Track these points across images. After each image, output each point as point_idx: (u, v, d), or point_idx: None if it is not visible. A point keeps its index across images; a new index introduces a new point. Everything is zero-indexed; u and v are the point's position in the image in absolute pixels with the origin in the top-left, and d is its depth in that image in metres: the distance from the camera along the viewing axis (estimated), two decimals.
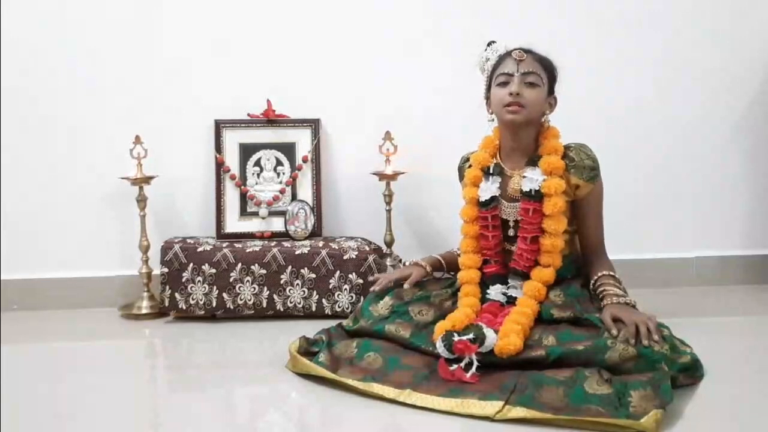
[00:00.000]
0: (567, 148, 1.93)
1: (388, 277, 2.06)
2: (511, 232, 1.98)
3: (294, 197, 2.53)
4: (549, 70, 1.95)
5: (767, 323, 2.24)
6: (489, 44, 2.02)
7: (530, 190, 1.91)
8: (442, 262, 2.14)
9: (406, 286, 1.98)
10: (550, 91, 1.96)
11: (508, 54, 1.94)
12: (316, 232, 2.50)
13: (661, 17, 2.59)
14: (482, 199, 1.98)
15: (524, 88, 1.90)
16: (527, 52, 1.93)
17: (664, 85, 2.61)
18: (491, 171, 1.99)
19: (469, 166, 2.04)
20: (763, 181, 2.67)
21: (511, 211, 1.97)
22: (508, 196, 1.97)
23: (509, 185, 1.97)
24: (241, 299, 2.34)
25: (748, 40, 2.61)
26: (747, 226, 2.68)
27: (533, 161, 1.93)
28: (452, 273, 2.13)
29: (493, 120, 2.00)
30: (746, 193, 2.67)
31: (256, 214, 2.51)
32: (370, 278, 2.09)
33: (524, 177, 1.93)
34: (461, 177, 2.11)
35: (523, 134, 1.95)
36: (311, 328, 2.01)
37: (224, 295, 2.34)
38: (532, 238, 1.92)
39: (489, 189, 1.97)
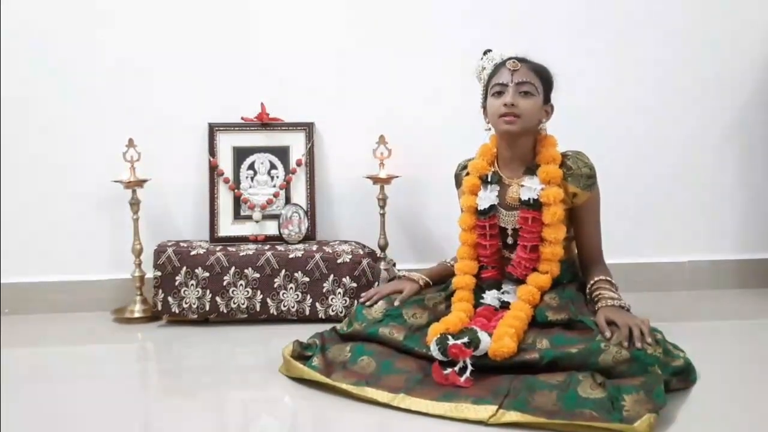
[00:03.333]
0: (564, 156, 1.94)
1: (379, 291, 2.03)
2: (509, 240, 1.98)
3: (288, 201, 2.53)
4: (544, 78, 1.95)
5: (760, 327, 2.24)
6: (485, 53, 2.02)
7: (529, 199, 1.91)
8: (432, 282, 2.10)
9: (396, 303, 1.96)
10: (547, 100, 1.96)
11: (503, 64, 1.94)
12: (309, 236, 2.50)
13: (654, 24, 2.60)
14: (481, 207, 1.98)
15: (519, 98, 1.89)
16: (522, 61, 1.93)
17: (657, 89, 2.62)
18: (489, 180, 1.99)
19: (467, 174, 2.04)
20: (755, 186, 2.68)
21: (510, 220, 1.97)
22: (507, 204, 1.97)
23: (507, 194, 1.97)
24: (234, 303, 2.34)
25: (739, 46, 2.62)
26: (739, 231, 2.69)
27: (531, 170, 1.94)
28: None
29: (490, 129, 2.00)
30: (739, 198, 2.68)
31: (249, 217, 2.51)
32: (362, 296, 2.06)
33: (522, 186, 1.93)
34: (458, 184, 2.11)
35: (520, 143, 1.95)
36: (305, 332, 2.01)
37: (217, 298, 2.33)
38: (531, 247, 1.92)
39: (488, 198, 1.97)
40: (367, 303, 1.98)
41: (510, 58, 1.94)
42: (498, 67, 1.95)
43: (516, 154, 1.96)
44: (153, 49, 2.54)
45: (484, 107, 2.00)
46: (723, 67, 2.62)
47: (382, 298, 1.99)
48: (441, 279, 2.11)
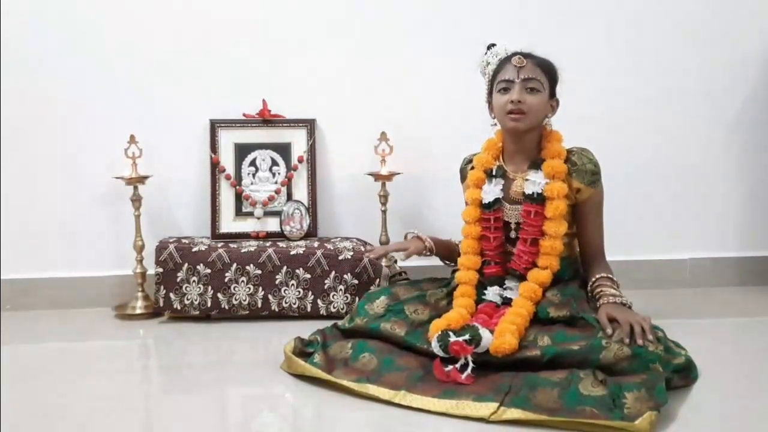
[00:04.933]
0: (569, 152, 1.94)
1: (384, 247, 2.11)
2: (512, 234, 1.99)
3: (289, 197, 2.53)
4: (549, 73, 1.95)
5: (761, 324, 2.25)
6: (489, 47, 2.02)
7: (533, 192, 1.92)
8: (437, 248, 2.13)
9: (401, 255, 2.06)
10: (552, 94, 1.97)
11: (508, 59, 1.94)
12: (311, 233, 2.50)
13: (655, 20, 2.60)
14: (486, 201, 1.99)
15: (525, 94, 1.90)
16: (527, 56, 1.93)
17: (658, 87, 2.61)
18: (494, 173, 1.99)
19: (472, 168, 2.04)
20: (756, 183, 2.68)
21: (513, 214, 1.98)
22: (511, 198, 1.98)
23: (512, 188, 1.98)
24: (236, 299, 2.34)
25: (740, 42, 2.61)
26: (741, 228, 2.69)
27: (536, 164, 1.94)
28: (446, 261, 2.17)
29: (495, 124, 2.00)
30: (740, 195, 2.68)
31: (251, 214, 2.51)
32: (366, 255, 2.12)
33: (527, 180, 1.94)
34: (463, 178, 2.11)
35: (526, 138, 1.96)
36: (306, 329, 2.01)
37: (219, 295, 2.34)
38: (532, 240, 1.92)
39: (492, 191, 1.98)
40: (371, 256, 2.08)
41: (515, 54, 1.94)
42: (503, 63, 1.95)
43: (521, 148, 1.97)
44: (154, 46, 2.54)
45: (490, 102, 2.00)
46: (724, 65, 2.62)
47: (388, 253, 2.12)
48: (445, 250, 2.15)
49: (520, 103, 1.88)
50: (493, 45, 2.02)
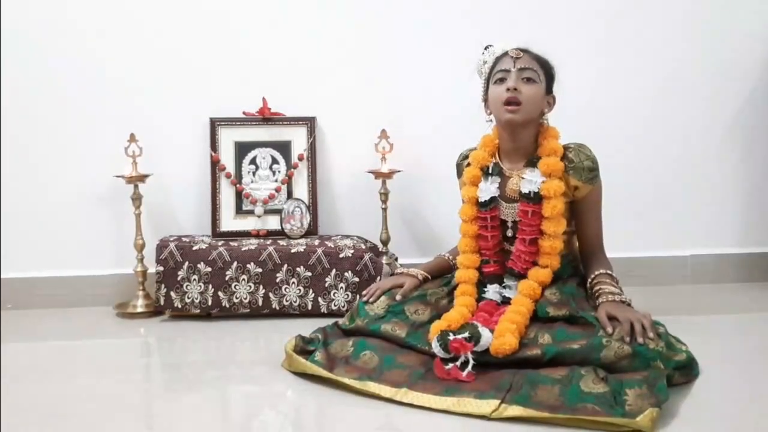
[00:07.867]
0: (566, 148, 1.93)
1: (380, 286, 2.02)
2: (509, 233, 1.98)
3: (290, 196, 2.53)
4: (546, 68, 1.95)
5: (762, 321, 2.24)
6: (486, 48, 2.01)
7: (529, 192, 1.90)
8: (431, 276, 2.08)
9: (398, 298, 1.95)
10: (549, 91, 1.96)
11: (505, 53, 1.94)
12: (311, 231, 2.50)
13: (656, 18, 2.59)
14: (482, 199, 1.97)
15: (521, 83, 1.89)
16: (524, 51, 1.93)
17: (659, 85, 2.61)
18: (490, 171, 1.98)
19: (468, 165, 2.04)
20: (757, 180, 2.68)
21: (510, 212, 1.96)
22: (507, 196, 1.97)
23: (508, 186, 1.97)
24: (236, 298, 2.34)
25: (741, 40, 2.61)
26: (742, 224, 2.69)
27: (532, 162, 1.93)
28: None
29: (491, 121, 2.00)
30: (741, 191, 2.67)
31: (251, 212, 2.51)
32: (363, 293, 2.06)
33: (523, 178, 1.93)
34: (459, 174, 2.10)
35: (523, 134, 1.94)
36: (307, 327, 2.01)
37: (220, 293, 2.34)
38: (530, 240, 1.91)
39: (488, 189, 1.97)
40: (370, 300, 1.97)
41: (512, 48, 1.94)
42: (500, 57, 1.95)
43: (518, 145, 1.96)
44: (154, 44, 2.54)
45: (486, 100, 1.99)
46: (726, 59, 2.61)
47: (384, 293, 1.98)
48: (439, 273, 2.10)
49: (516, 91, 1.87)
50: (490, 46, 2.01)
